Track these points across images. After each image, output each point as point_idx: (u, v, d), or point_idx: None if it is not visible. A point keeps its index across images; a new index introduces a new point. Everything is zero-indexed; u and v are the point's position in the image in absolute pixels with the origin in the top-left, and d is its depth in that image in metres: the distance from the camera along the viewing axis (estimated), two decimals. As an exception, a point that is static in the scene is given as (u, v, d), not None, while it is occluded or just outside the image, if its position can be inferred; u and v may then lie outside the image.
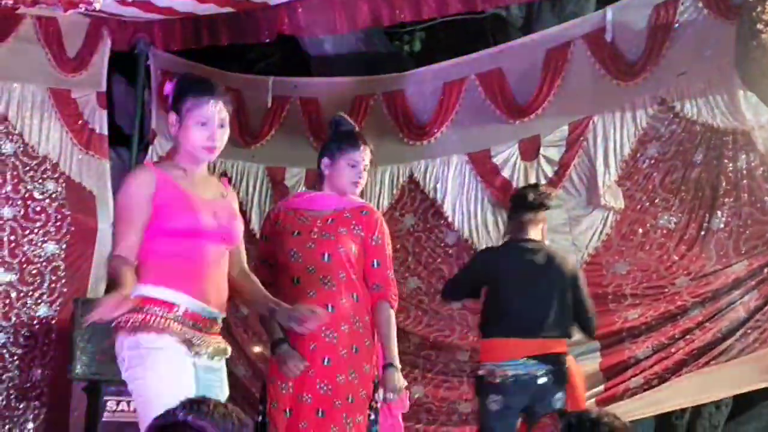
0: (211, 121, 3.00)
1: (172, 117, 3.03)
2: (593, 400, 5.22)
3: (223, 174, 5.72)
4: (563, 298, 4.34)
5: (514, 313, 4.28)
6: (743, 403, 5.88)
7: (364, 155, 3.62)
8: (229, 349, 3.11)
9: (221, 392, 3.04)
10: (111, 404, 5.08)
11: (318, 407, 3.43)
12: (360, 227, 3.60)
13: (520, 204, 4.45)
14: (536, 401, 4.26)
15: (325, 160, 3.63)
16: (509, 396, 4.23)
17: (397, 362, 3.54)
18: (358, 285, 3.56)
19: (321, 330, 3.40)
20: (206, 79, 3.31)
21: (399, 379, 3.53)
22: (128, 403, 5.10)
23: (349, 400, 3.46)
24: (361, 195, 5.75)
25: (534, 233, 4.41)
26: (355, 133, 3.71)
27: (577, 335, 4.49)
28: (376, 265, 3.59)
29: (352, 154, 3.60)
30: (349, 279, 3.54)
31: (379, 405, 3.56)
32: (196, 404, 2.04)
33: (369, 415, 3.51)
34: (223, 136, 3.05)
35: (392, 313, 3.59)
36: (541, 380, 4.23)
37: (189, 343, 2.94)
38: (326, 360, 3.45)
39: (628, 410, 5.19)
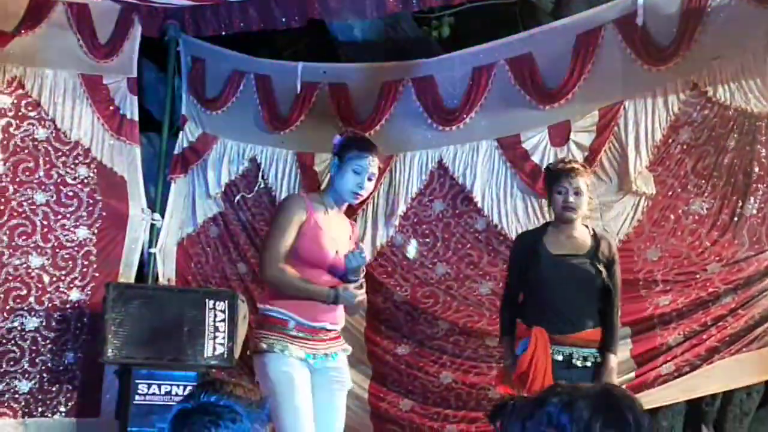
0: (363, 172, 3.76)
1: (334, 161, 3.85)
2: (624, 387, 5.20)
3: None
4: None
5: None
6: (775, 390, 5.82)
7: None
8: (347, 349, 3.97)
9: (342, 385, 3.87)
10: (142, 387, 5.11)
11: None
12: None
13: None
14: None
15: None
16: None
17: None
18: None
19: None
20: (368, 138, 4.26)
21: None
22: (159, 386, 5.14)
23: None
24: (390, 182, 5.91)
25: None
26: None
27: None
28: None
29: None
30: None
31: None
32: (216, 384, 2.09)
33: None
34: (369, 187, 3.84)
35: None
36: None
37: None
38: None
39: (659, 397, 5.17)
